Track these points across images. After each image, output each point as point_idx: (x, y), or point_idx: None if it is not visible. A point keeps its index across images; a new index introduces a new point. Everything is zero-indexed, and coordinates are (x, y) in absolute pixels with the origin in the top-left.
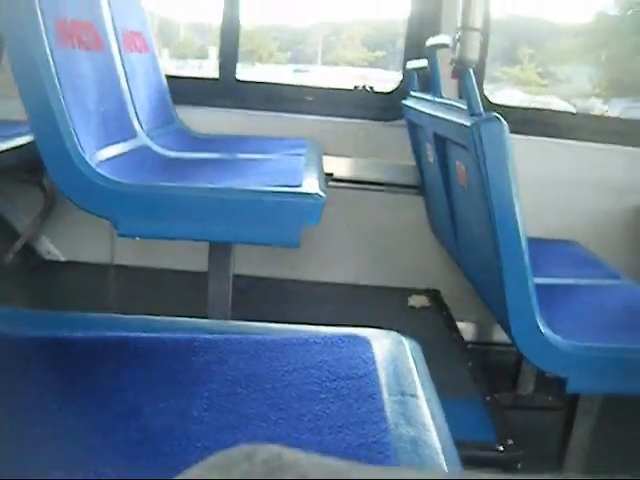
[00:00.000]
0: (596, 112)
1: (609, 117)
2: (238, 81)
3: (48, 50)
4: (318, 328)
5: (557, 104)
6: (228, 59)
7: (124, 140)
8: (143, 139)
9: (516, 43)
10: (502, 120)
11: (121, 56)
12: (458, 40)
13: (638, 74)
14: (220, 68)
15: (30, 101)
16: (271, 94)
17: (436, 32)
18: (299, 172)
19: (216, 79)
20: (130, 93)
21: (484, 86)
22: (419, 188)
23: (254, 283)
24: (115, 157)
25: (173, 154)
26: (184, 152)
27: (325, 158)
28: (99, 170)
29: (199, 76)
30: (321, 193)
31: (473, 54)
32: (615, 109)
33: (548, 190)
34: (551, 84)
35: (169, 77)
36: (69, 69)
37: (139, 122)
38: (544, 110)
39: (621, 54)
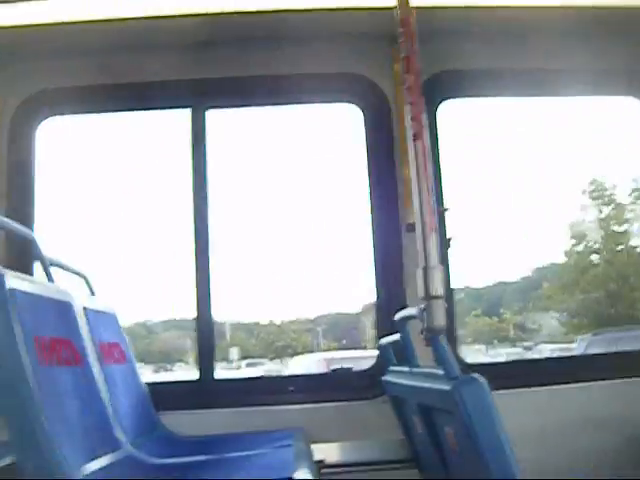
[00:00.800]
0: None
1: (581, 355)
2: (217, 380)
3: (28, 368)
4: None
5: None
6: (206, 359)
7: (109, 452)
8: (127, 449)
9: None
10: (480, 379)
11: (101, 369)
12: (424, 310)
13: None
14: (199, 369)
15: (11, 420)
16: (251, 389)
17: (403, 306)
18: (288, 465)
19: (196, 380)
20: (111, 405)
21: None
22: (413, 461)
23: None
24: (100, 470)
25: (159, 461)
26: (170, 458)
27: (314, 446)
28: None
29: (179, 379)
30: None
31: (440, 321)
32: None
33: (546, 437)
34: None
35: (150, 384)
36: (49, 386)
37: (122, 432)
38: (520, 361)
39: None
